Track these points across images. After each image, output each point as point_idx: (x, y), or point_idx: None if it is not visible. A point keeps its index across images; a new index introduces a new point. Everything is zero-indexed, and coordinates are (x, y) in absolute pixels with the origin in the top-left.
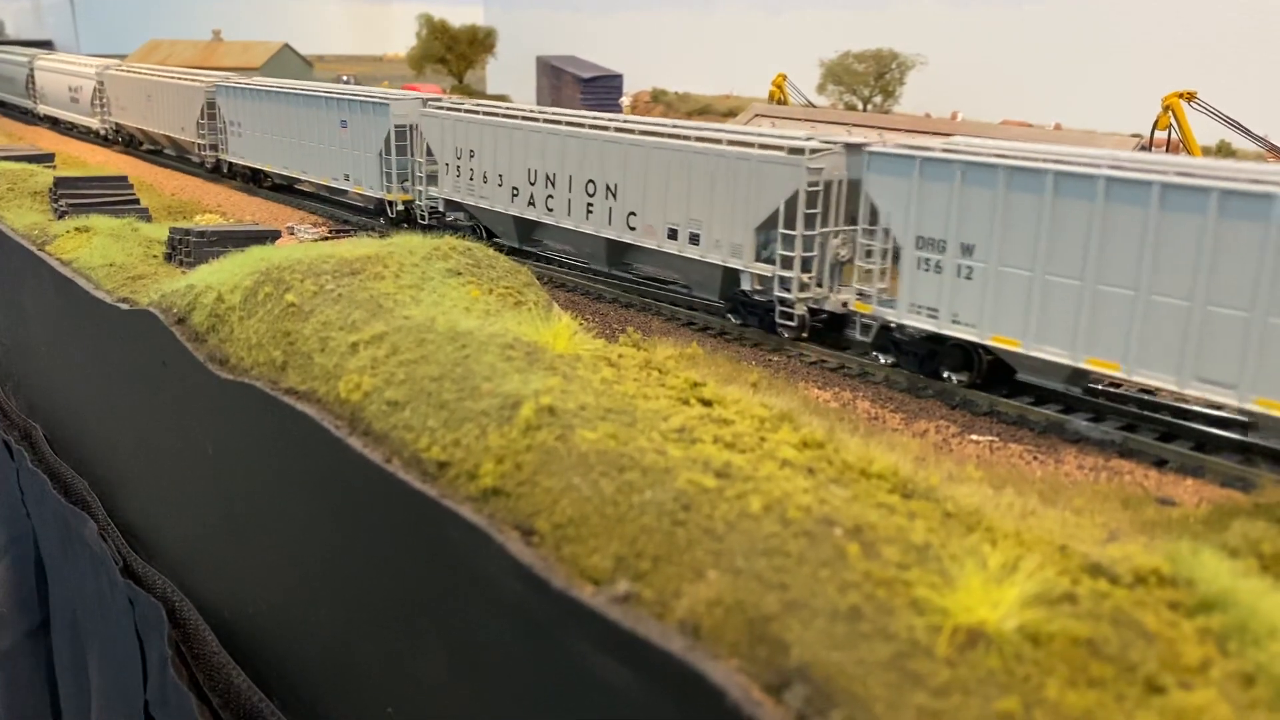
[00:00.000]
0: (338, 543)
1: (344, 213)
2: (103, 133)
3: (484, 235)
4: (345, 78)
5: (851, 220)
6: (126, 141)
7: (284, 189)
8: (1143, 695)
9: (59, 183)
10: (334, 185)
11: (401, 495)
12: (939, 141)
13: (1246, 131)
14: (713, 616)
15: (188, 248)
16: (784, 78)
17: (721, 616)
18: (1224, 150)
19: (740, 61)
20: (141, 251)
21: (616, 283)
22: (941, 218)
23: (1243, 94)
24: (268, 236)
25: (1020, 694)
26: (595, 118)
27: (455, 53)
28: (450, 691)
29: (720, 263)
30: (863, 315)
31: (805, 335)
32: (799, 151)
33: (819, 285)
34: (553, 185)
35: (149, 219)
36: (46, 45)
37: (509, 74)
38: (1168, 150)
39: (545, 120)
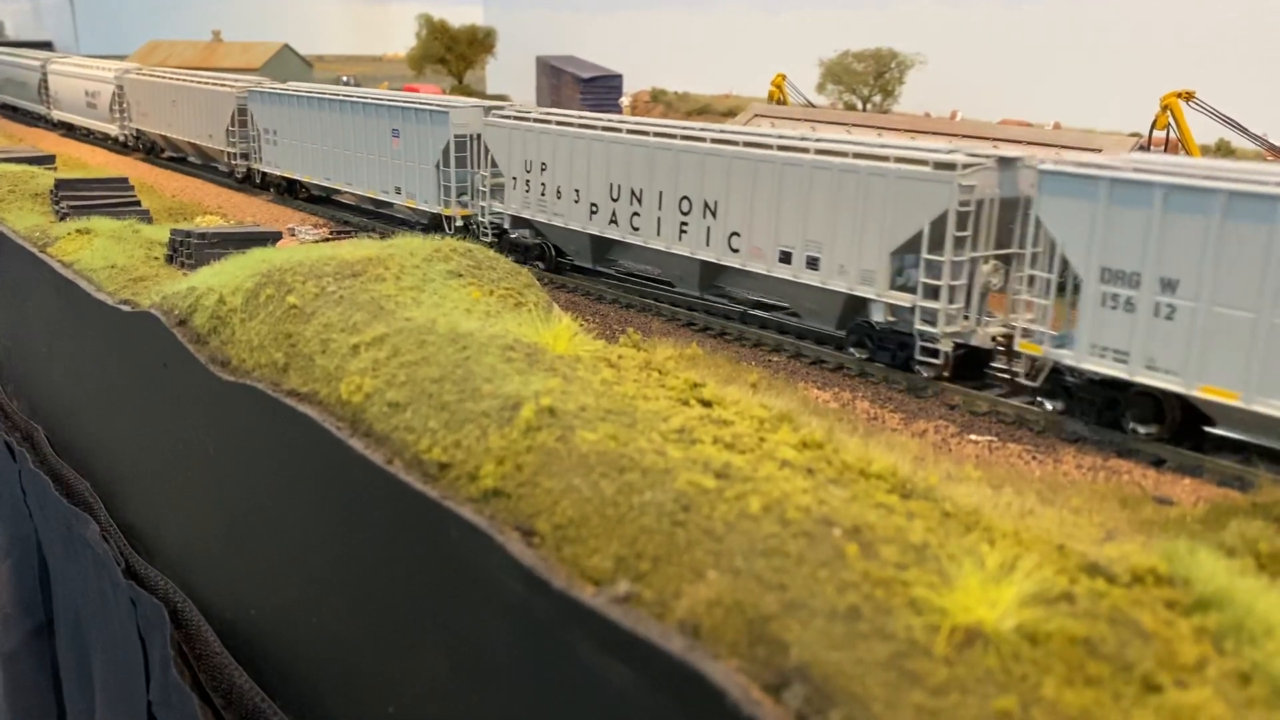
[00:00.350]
0: (339, 543)
1: (391, 226)
2: (122, 139)
3: (551, 254)
4: (345, 78)
5: (1001, 244)
6: (148, 149)
7: (320, 200)
8: (1139, 694)
9: (60, 185)
10: (383, 199)
11: (403, 496)
12: (1124, 157)
13: (1245, 131)
14: (712, 617)
15: (189, 249)
16: (783, 78)
17: (721, 617)
18: (1223, 150)
19: (739, 61)
20: (143, 253)
21: (709, 308)
22: (1135, 248)
23: (1241, 93)
24: (269, 238)
25: (1018, 693)
26: (688, 127)
27: (455, 53)
28: (451, 692)
29: (844, 290)
30: (1030, 355)
31: (947, 374)
32: (949, 166)
33: (965, 318)
34: (639, 202)
35: (150, 221)
36: (46, 46)
37: (509, 74)
38: (1165, 150)
39: (630, 131)
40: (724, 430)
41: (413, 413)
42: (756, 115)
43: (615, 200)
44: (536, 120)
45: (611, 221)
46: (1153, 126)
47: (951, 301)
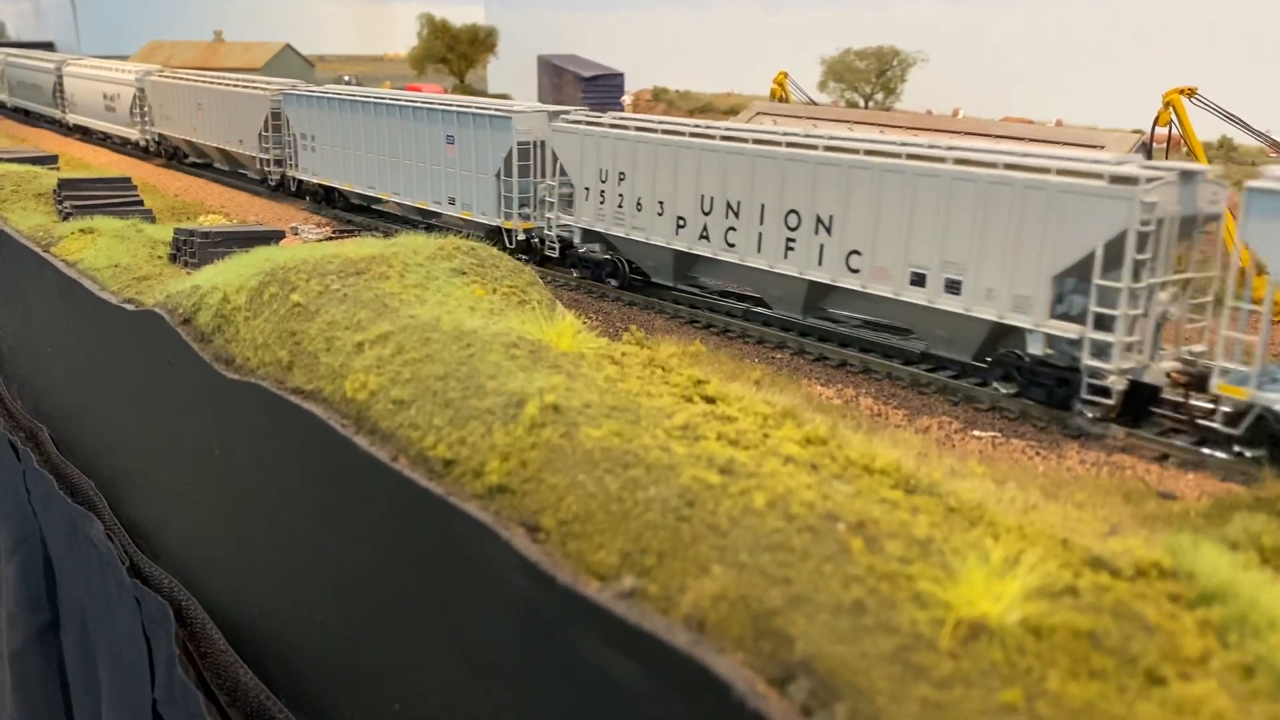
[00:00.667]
0: (344, 541)
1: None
2: (143, 144)
3: (625, 271)
4: (347, 78)
5: (1179, 269)
6: (170, 154)
7: (361, 209)
8: (1143, 687)
9: (63, 184)
10: (435, 210)
11: (408, 493)
12: None
13: (1248, 127)
14: (717, 611)
15: (192, 248)
16: (785, 76)
17: (726, 611)
18: (1225, 146)
19: (741, 59)
20: (146, 252)
21: (812, 332)
22: None
23: (1244, 90)
24: (272, 237)
25: (1022, 686)
26: (790, 134)
27: (456, 52)
28: (457, 687)
29: (992, 318)
30: (1232, 399)
31: (1115, 415)
32: (1129, 180)
33: (1139, 352)
34: (735, 215)
35: (153, 220)
36: (47, 46)
37: (510, 73)
38: (1168, 147)
39: (724, 137)
40: (728, 426)
41: (417, 410)
42: (759, 113)
43: (707, 213)
44: (613, 126)
45: (702, 237)
46: (1155, 124)
47: (1129, 333)
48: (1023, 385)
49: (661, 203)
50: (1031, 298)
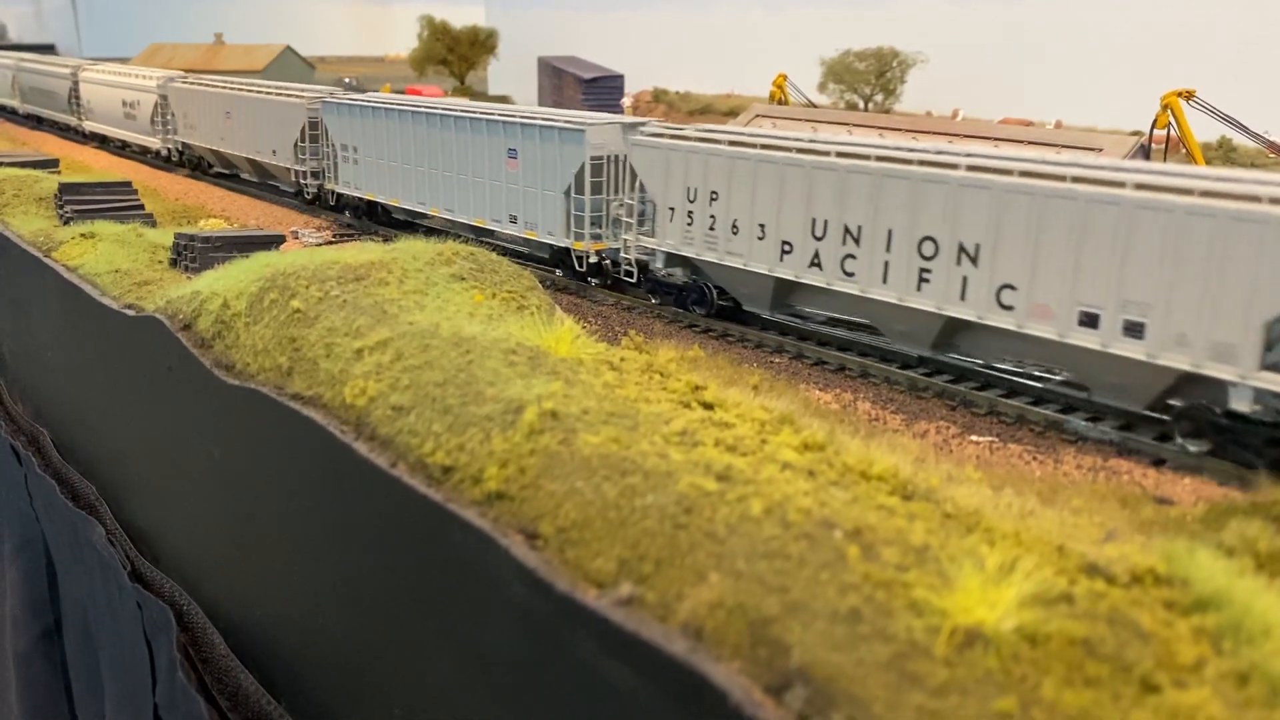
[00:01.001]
0: (343, 546)
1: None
2: (165, 154)
3: (713, 298)
4: (347, 80)
5: None
6: (194, 165)
7: (404, 224)
8: (1138, 694)
9: (64, 188)
10: (494, 229)
11: (407, 500)
12: None
13: (1245, 129)
14: (715, 619)
15: (193, 253)
16: (784, 78)
17: (723, 619)
18: (1224, 148)
19: (741, 60)
20: (147, 257)
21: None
22: None
23: (1242, 92)
24: (272, 241)
25: (1018, 693)
26: (922, 150)
27: (456, 54)
28: (456, 693)
29: (1185, 367)
30: None
31: None
32: None
33: None
34: (855, 241)
35: (154, 224)
36: (48, 49)
37: (510, 75)
38: (1166, 148)
39: (841, 154)
40: (726, 433)
41: (416, 416)
42: (758, 115)
43: (819, 238)
44: (703, 140)
45: (813, 264)
46: (1153, 125)
47: None
48: (1219, 444)
49: (763, 225)
50: (1237, 346)
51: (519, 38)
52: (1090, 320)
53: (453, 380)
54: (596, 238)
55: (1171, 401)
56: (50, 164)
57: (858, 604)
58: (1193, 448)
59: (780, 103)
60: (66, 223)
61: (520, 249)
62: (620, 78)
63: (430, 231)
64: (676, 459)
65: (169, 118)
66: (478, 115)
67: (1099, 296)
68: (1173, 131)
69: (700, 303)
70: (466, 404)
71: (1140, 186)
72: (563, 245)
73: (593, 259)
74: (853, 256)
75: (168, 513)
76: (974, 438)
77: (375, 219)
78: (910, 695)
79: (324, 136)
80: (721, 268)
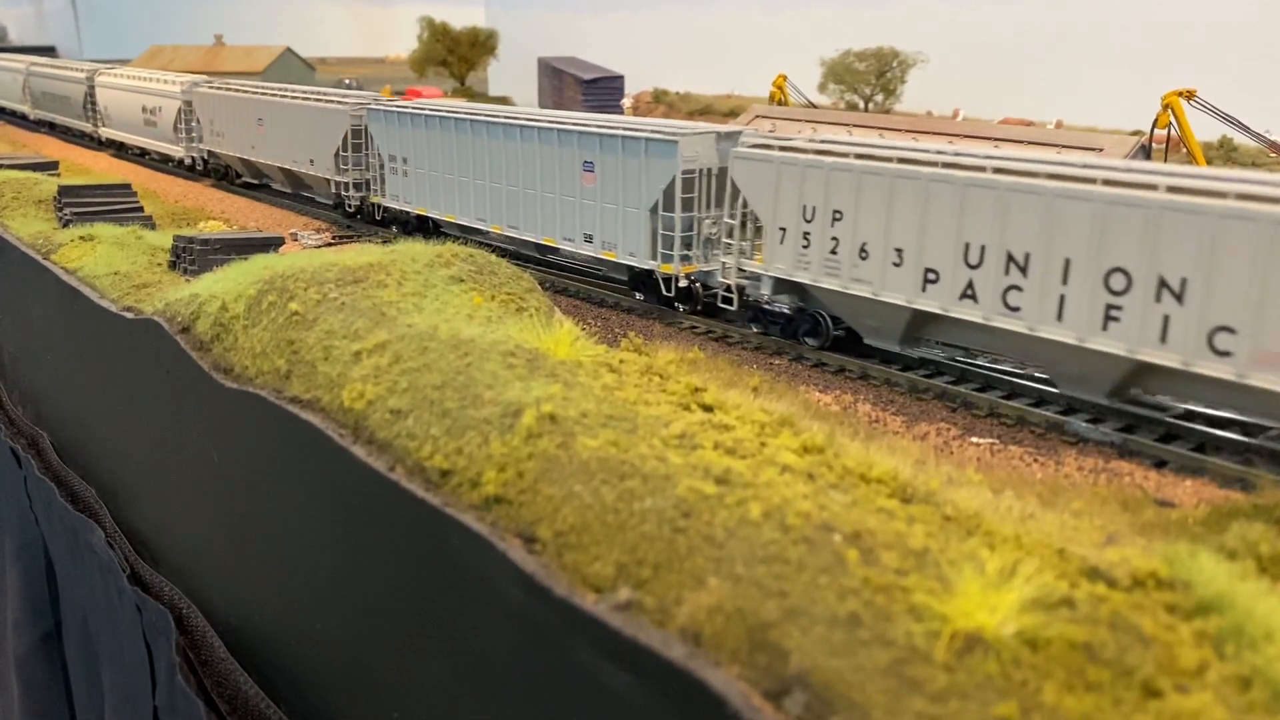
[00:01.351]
0: (342, 550)
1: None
2: (188, 162)
3: (828, 329)
4: (347, 81)
5: None
6: (220, 174)
7: (456, 237)
8: (1140, 699)
9: (63, 191)
10: (565, 248)
11: (405, 503)
12: None
13: (1246, 129)
14: (713, 624)
15: (192, 256)
16: (784, 78)
17: (722, 624)
18: (1225, 148)
19: (741, 61)
20: (146, 260)
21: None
22: None
23: (1243, 91)
24: (271, 244)
25: (1018, 698)
26: (1110, 168)
27: (457, 55)
28: (454, 697)
29: None
30: None
31: None
32: None
33: None
34: (1021, 271)
35: (153, 226)
36: (49, 51)
37: (510, 76)
38: (1167, 148)
39: (1001, 170)
40: (725, 435)
41: (414, 420)
42: (758, 116)
43: (974, 266)
44: (821, 152)
45: (965, 296)
46: (1154, 125)
47: None
48: None
49: (900, 250)
50: None
51: (519, 38)
52: None
53: (451, 383)
54: (686, 260)
55: None
56: (50, 166)
57: (857, 609)
58: None
59: (780, 103)
60: (66, 225)
61: (593, 270)
62: (620, 78)
63: (490, 247)
64: (675, 462)
65: (194, 124)
66: (550, 124)
67: None
68: (1173, 131)
69: (813, 334)
70: (465, 407)
71: None
72: (645, 267)
73: (682, 283)
74: (1018, 288)
75: (167, 516)
76: (974, 439)
77: (426, 234)
78: (910, 701)
79: (369, 146)
80: (844, 296)
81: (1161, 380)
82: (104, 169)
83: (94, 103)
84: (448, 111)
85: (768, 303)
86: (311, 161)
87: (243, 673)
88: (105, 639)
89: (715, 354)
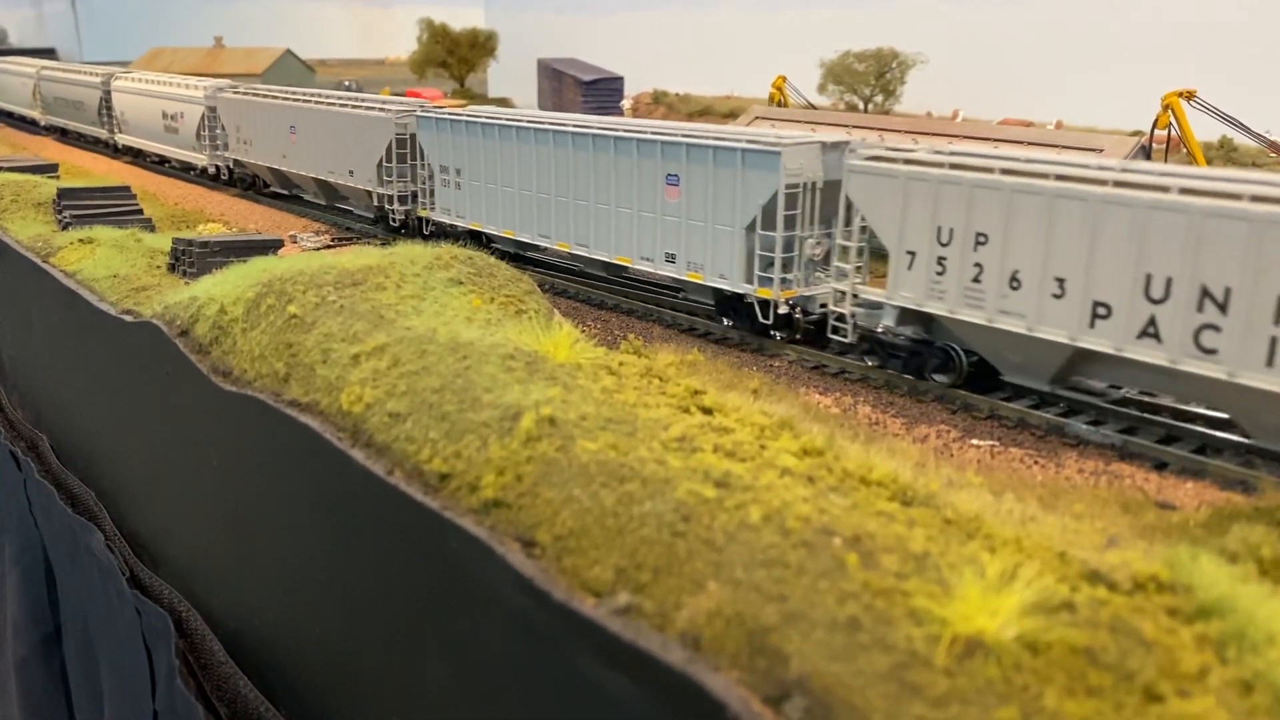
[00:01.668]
0: (341, 554)
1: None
2: (212, 171)
3: (962, 365)
4: (347, 82)
5: None
6: (247, 184)
7: (513, 255)
8: (1141, 704)
9: (62, 194)
10: (643, 269)
11: (404, 507)
12: None
13: (1247, 129)
14: (713, 628)
15: (191, 258)
16: (784, 80)
17: (721, 628)
18: (1225, 148)
19: (741, 61)
20: (145, 262)
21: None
22: None
23: (1243, 92)
24: (270, 246)
25: (1019, 703)
26: None
27: (456, 56)
28: (454, 702)
29: None
30: None
31: None
32: None
33: None
34: (1220, 309)
35: (152, 229)
36: (49, 53)
37: (510, 77)
38: (1167, 149)
39: (1189, 190)
40: (724, 438)
41: (413, 423)
42: (757, 117)
43: (1156, 301)
44: (957, 166)
45: (1146, 334)
46: (1154, 126)
47: None
48: None
49: (1061, 280)
50: None
51: (518, 40)
52: None
53: (450, 386)
54: (786, 283)
55: None
56: (49, 169)
57: (857, 613)
58: None
59: (779, 104)
60: (65, 227)
61: (682, 292)
62: (620, 79)
63: (546, 265)
64: (675, 465)
65: (218, 132)
66: (628, 134)
67: None
68: (1173, 131)
69: (944, 369)
70: (464, 410)
71: None
72: (738, 291)
73: (781, 309)
74: (1214, 327)
75: (167, 519)
76: (975, 442)
77: (480, 246)
78: (910, 705)
79: (416, 155)
80: (987, 330)
81: None
82: (104, 171)
83: (110, 108)
84: (508, 119)
85: (884, 332)
86: (351, 173)
87: (242, 676)
88: (105, 642)
89: (715, 356)
